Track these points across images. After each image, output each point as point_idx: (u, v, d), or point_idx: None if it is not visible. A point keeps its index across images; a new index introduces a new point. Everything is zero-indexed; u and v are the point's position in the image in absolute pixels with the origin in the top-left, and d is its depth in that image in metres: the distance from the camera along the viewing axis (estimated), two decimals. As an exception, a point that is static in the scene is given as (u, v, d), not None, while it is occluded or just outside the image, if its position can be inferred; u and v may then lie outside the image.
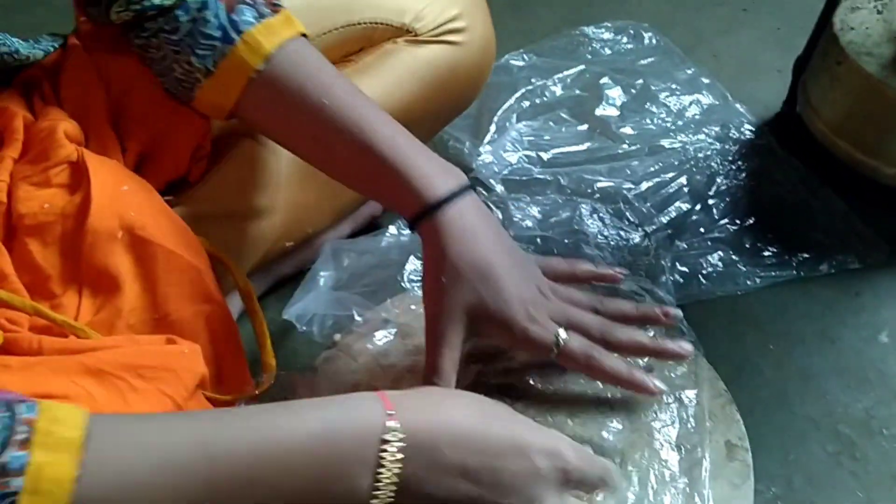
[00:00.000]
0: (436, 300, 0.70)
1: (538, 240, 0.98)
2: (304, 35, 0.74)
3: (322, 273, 0.88)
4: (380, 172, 0.70)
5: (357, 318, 0.84)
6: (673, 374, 0.77)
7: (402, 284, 0.88)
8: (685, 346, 0.73)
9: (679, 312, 0.75)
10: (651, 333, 0.79)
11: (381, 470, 0.53)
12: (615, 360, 0.70)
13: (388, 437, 0.53)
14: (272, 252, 0.89)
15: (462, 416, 0.57)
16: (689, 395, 0.75)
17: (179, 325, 0.72)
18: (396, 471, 0.53)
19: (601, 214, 1.01)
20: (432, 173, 0.69)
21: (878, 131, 0.98)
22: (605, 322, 0.73)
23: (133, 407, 0.64)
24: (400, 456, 0.53)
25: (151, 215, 0.72)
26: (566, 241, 0.97)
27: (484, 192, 1.07)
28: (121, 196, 0.70)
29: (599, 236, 0.98)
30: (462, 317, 0.68)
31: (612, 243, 0.98)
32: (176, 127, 0.78)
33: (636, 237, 0.99)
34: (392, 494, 0.53)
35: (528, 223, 1.01)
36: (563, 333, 0.69)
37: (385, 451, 0.53)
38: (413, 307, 0.85)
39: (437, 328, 0.69)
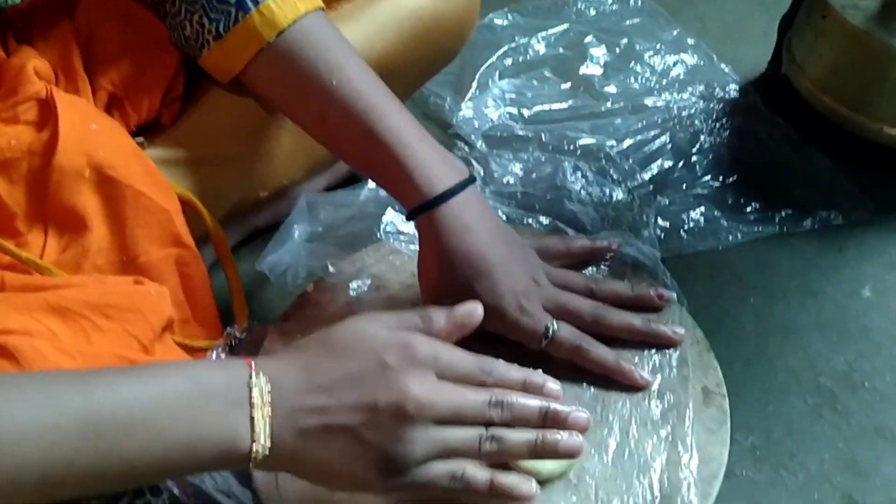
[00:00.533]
0: (432, 293, 0.72)
1: (519, 195, 0.96)
2: (321, 8, 0.72)
3: (297, 225, 0.86)
4: (382, 161, 0.70)
5: (331, 268, 0.82)
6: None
7: (378, 236, 0.86)
8: (678, 331, 0.73)
9: (673, 295, 0.77)
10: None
11: (254, 412, 0.53)
12: (603, 350, 0.71)
13: (253, 381, 0.54)
14: (245, 202, 0.87)
15: (315, 350, 0.58)
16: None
17: (148, 268, 0.71)
18: (268, 411, 0.53)
19: (584, 171, 0.99)
20: (434, 167, 0.69)
21: (863, 85, 0.97)
22: (597, 306, 0.73)
23: (96, 346, 0.62)
24: (268, 388, 0.54)
25: (121, 155, 0.70)
26: (548, 196, 0.96)
27: (466, 147, 1.05)
28: (89, 134, 0.69)
29: (582, 192, 0.97)
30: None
31: (595, 199, 0.96)
32: (147, 68, 0.76)
33: (619, 193, 0.97)
34: (270, 440, 0.53)
35: (510, 179, 0.99)
36: (553, 325, 0.71)
37: (254, 388, 0.53)
38: (390, 257, 0.84)
39: None
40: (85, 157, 0.68)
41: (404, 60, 0.88)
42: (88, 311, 0.63)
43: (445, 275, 0.70)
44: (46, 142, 0.67)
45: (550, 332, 0.70)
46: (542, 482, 0.63)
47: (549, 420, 0.60)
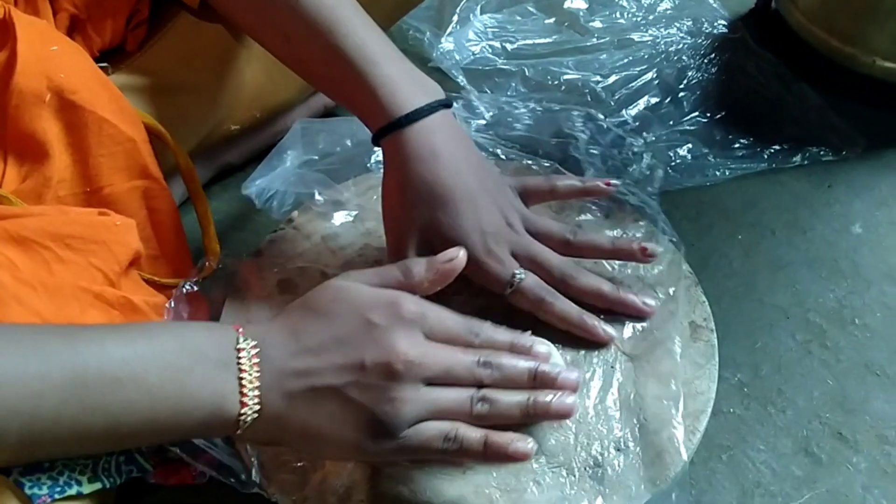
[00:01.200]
0: (393, 221, 0.67)
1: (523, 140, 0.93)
2: None
3: (290, 150, 0.83)
4: (346, 80, 0.65)
5: (318, 197, 0.79)
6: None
7: (368, 166, 0.83)
8: (649, 303, 0.68)
9: (659, 249, 0.70)
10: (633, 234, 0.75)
11: (242, 375, 0.51)
12: (566, 304, 0.67)
13: (241, 345, 0.52)
14: (216, 135, 0.83)
15: (299, 313, 0.56)
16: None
17: (113, 200, 0.68)
18: (256, 373, 0.52)
19: (597, 120, 0.96)
20: (401, 86, 0.64)
21: (855, 16, 0.94)
22: (567, 264, 0.68)
23: (58, 277, 0.59)
24: (256, 351, 0.52)
25: (83, 80, 0.66)
26: (553, 142, 0.92)
27: (469, 93, 1.01)
28: (50, 56, 0.65)
29: (590, 141, 0.93)
30: (419, 240, 0.65)
31: (603, 148, 0.93)
32: (109, -12, 0.72)
33: (630, 144, 0.94)
34: (258, 402, 0.51)
35: (516, 124, 0.96)
36: (519, 273, 0.66)
37: (242, 351, 0.52)
38: (372, 190, 0.81)
39: (394, 249, 0.67)
40: (45, 80, 0.64)
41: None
42: (50, 242, 0.60)
43: (408, 204, 0.65)
44: (4, 63, 0.63)
45: (516, 280, 0.66)
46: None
47: (539, 381, 0.57)
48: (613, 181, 0.73)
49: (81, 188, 0.67)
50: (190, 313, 0.69)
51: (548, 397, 0.56)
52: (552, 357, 0.61)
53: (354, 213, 0.78)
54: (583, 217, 0.78)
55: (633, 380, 0.66)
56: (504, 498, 0.59)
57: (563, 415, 0.57)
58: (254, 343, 0.52)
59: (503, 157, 0.85)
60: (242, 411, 0.51)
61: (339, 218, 0.77)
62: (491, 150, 0.86)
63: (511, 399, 0.56)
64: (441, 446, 0.54)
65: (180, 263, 0.74)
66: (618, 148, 0.91)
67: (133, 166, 0.68)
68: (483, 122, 0.93)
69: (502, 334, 0.59)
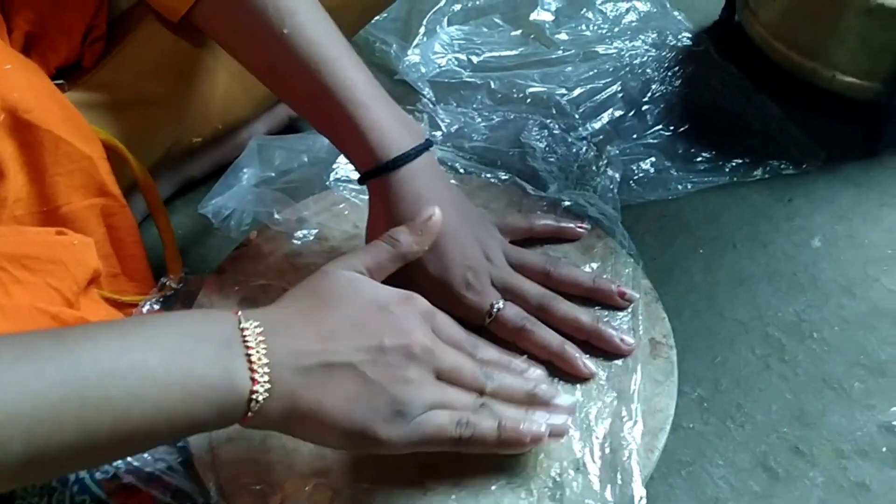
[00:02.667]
0: None
1: (481, 150, 0.94)
2: None
3: (246, 168, 0.82)
4: (334, 119, 0.66)
5: (276, 216, 0.79)
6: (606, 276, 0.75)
7: (328, 184, 0.83)
8: (627, 340, 0.69)
9: (636, 296, 0.72)
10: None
11: (250, 352, 0.50)
12: (548, 333, 0.68)
13: (244, 325, 0.51)
14: (178, 148, 0.83)
15: (308, 299, 0.56)
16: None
17: (71, 218, 0.67)
18: (263, 350, 0.51)
19: (552, 129, 0.96)
20: (389, 130, 0.66)
21: (815, 31, 0.95)
22: (545, 294, 0.70)
23: (16, 299, 0.59)
24: (260, 330, 0.51)
25: (38, 98, 0.66)
26: (510, 152, 0.93)
27: (428, 103, 1.01)
28: (3, 75, 0.64)
29: (547, 149, 0.94)
30: (403, 277, 0.66)
31: (560, 157, 0.93)
32: (65, 5, 0.72)
33: (586, 151, 0.95)
34: (268, 380, 0.50)
35: (474, 135, 0.96)
36: (498, 303, 0.68)
37: (246, 331, 0.51)
38: (334, 207, 0.81)
39: None
40: (-1, 99, 0.63)
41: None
42: (6, 263, 0.59)
43: None
44: (-44, 84, 0.63)
45: (495, 310, 0.68)
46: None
47: (537, 400, 0.60)
48: (584, 225, 0.79)
49: (38, 207, 0.66)
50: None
51: (545, 416, 0.59)
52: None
53: (315, 231, 0.78)
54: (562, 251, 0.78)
55: (592, 398, 0.66)
56: (465, 517, 0.60)
57: (557, 434, 0.59)
58: (257, 323, 0.52)
59: (462, 170, 0.86)
60: (254, 388, 0.50)
61: (300, 236, 0.77)
62: (450, 163, 0.86)
63: (512, 411, 0.58)
64: (455, 433, 0.55)
65: (142, 281, 0.74)
66: (575, 156, 0.92)
67: (90, 184, 0.68)
68: (440, 134, 0.94)
69: (500, 354, 0.63)
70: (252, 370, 0.50)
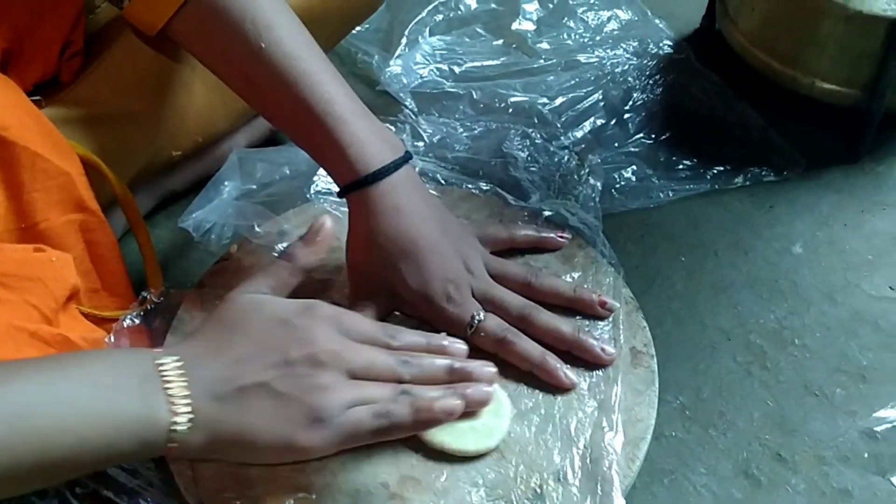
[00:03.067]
0: (358, 271, 0.70)
1: (462, 161, 0.94)
2: None
3: (227, 182, 0.82)
4: (314, 133, 0.67)
5: (257, 229, 0.79)
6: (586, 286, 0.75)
7: (308, 196, 0.83)
8: (608, 350, 0.69)
9: (616, 305, 0.72)
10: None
11: (169, 386, 0.52)
12: (529, 344, 0.68)
13: (161, 360, 0.54)
14: (157, 162, 0.83)
15: (214, 331, 0.58)
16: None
17: (49, 235, 0.67)
18: (182, 383, 0.53)
19: (533, 139, 0.96)
20: (369, 143, 0.67)
21: (795, 39, 0.96)
22: (526, 304, 0.70)
23: (-7, 317, 0.58)
24: (178, 364, 0.53)
25: (14, 115, 0.65)
26: (492, 162, 0.93)
27: (409, 113, 1.01)
28: (-21, 93, 0.64)
29: (529, 159, 0.94)
30: (383, 291, 0.68)
31: (542, 166, 0.94)
32: (42, 20, 0.71)
33: (568, 160, 0.95)
34: (189, 411, 0.52)
35: (455, 145, 0.96)
36: (479, 315, 0.68)
37: (163, 365, 0.53)
38: (315, 219, 0.80)
39: (358, 301, 0.69)
40: (-26, 117, 0.63)
41: (325, 8, 0.85)
42: (-17, 281, 0.59)
43: (373, 256, 0.68)
44: (-68, 101, 0.63)
45: (475, 321, 0.68)
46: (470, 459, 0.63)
47: (456, 375, 0.61)
48: (565, 235, 0.79)
49: (16, 224, 0.66)
50: (131, 346, 0.68)
51: (466, 388, 0.60)
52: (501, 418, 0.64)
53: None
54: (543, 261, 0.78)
55: (573, 408, 0.66)
56: (445, 527, 0.59)
57: (481, 403, 0.61)
58: (174, 358, 0.54)
59: (443, 181, 0.86)
60: (175, 420, 0.52)
61: (281, 249, 0.77)
62: (431, 174, 0.86)
63: (432, 393, 0.59)
64: (373, 424, 0.56)
65: (122, 296, 0.74)
66: (556, 165, 0.92)
67: (68, 200, 0.68)
68: (422, 144, 0.94)
69: (418, 336, 0.63)
70: (171, 402, 0.52)
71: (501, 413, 0.64)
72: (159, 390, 0.52)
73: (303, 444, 0.55)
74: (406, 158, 0.69)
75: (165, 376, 0.53)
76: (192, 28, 0.69)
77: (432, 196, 0.72)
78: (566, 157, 0.95)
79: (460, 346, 0.64)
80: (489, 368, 0.62)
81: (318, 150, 0.69)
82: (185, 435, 0.53)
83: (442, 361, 0.61)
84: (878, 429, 0.73)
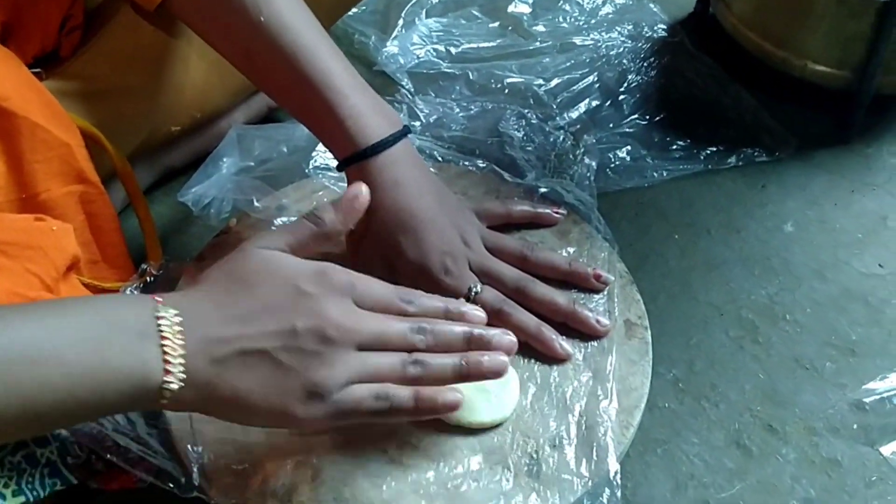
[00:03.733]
0: (357, 246, 0.70)
1: (459, 140, 0.95)
2: None
3: (225, 157, 0.83)
4: (312, 107, 0.67)
5: (256, 203, 0.79)
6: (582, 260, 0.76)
7: (307, 171, 0.84)
8: (602, 322, 0.70)
9: (611, 278, 0.73)
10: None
11: (165, 343, 0.50)
12: (525, 315, 0.69)
13: (160, 313, 0.51)
14: (156, 137, 0.83)
15: (223, 282, 0.56)
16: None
17: (50, 205, 0.68)
18: (180, 341, 0.50)
19: (529, 118, 0.97)
20: (367, 116, 0.67)
21: (787, 21, 0.97)
22: (522, 277, 0.71)
23: (-7, 284, 0.59)
24: (178, 320, 0.51)
25: (14, 86, 0.66)
26: (489, 141, 0.94)
27: (406, 93, 1.02)
28: (-22, 64, 0.65)
29: (525, 139, 0.95)
30: (382, 264, 0.68)
31: (537, 146, 0.94)
32: (42, -7, 0.72)
33: (564, 140, 0.96)
34: (183, 371, 0.50)
35: (452, 124, 0.97)
36: (476, 287, 0.69)
37: (162, 320, 0.51)
38: (313, 195, 0.81)
39: (356, 269, 0.67)
40: (-25, 87, 0.64)
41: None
42: (-16, 249, 0.60)
43: (372, 230, 0.68)
44: (-68, 72, 0.63)
45: (473, 293, 0.69)
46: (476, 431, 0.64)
47: (474, 343, 0.59)
48: (561, 210, 0.79)
49: (17, 195, 0.66)
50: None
51: (481, 357, 0.58)
52: (509, 387, 0.64)
53: (294, 219, 0.78)
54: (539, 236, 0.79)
55: (568, 378, 0.67)
56: (443, 495, 0.60)
57: (496, 372, 0.58)
58: (175, 312, 0.51)
59: (440, 158, 0.87)
60: (167, 379, 0.50)
61: (280, 223, 0.78)
62: (428, 152, 0.87)
63: (444, 360, 0.58)
64: (372, 406, 0.55)
65: (122, 268, 0.74)
66: (552, 145, 0.93)
67: (68, 171, 0.68)
68: (419, 124, 0.95)
69: (436, 301, 0.61)
70: (166, 361, 0.50)
71: (510, 383, 0.65)
72: (155, 346, 0.50)
73: (298, 415, 0.54)
74: (404, 132, 0.69)
75: (163, 332, 0.50)
76: (191, 2, 0.69)
77: (430, 170, 0.72)
78: (561, 137, 0.96)
79: (479, 313, 0.61)
80: (509, 337, 0.60)
81: (317, 124, 0.69)
82: (177, 394, 0.50)
83: (459, 328, 0.59)
84: (867, 400, 0.74)
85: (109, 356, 0.49)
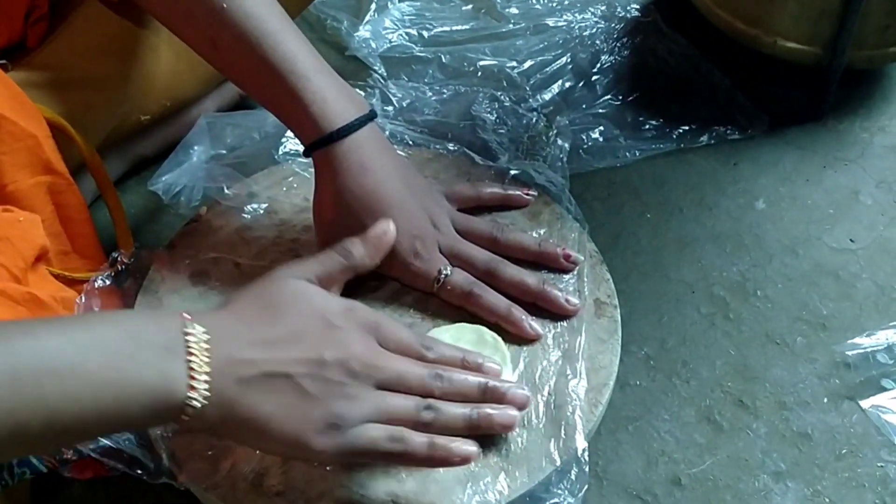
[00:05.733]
0: (326, 230, 0.70)
1: (432, 124, 0.95)
2: None
3: (196, 146, 0.83)
4: (277, 93, 0.67)
5: (227, 191, 0.80)
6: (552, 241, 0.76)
7: (276, 158, 0.84)
8: (572, 301, 0.70)
9: (581, 258, 0.74)
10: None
11: (192, 359, 0.50)
12: (494, 297, 0.69)
13: (188, 329, 0.51)
14: (126, 127, 0.83)
15: (253, 306, 0.56)
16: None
17: (18, 197, 0.68)
18: (206, 358, 0.50)
19: (502, 101, 0.98)
20: (332, 101, 0.67)
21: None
22: (492, 258, 0.71)
23: (-39, 276, 0.59)
24: (206, 338, 0.51)
25: (-21, 78, 0.66)
26: (461, 125, 0.94)
27: (377, 75, 1.02)
28: (-58, 56, 0.65)
29: (498, 121, 0.95)
30: None
31: (510, 128, 0.95)
32: (5, -16, 0.71)
33: (536, 122, 0.96)
34: (207, 388, 0.50)
35: (425, 108, 0.97)
36: (446, 269, 0.69)
37: (190, 336, 0.51)
38: (283, 181, 0.81)
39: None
40: (-60, 79, 0.64)
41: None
42: (-48, 240, 0.60)
43: (339, 214, 0.68)
44: None
45: (443, 276, 0.69)
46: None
47: (489, 395, 0.60)
48: (531, 192, 0.80)
49: (-17, 187, 0.66)
50: (101, 307, 0.69)
51: (492, 410, 0.59)
52: (503, 370, 0.64)
53: (265, 205, 0.78)
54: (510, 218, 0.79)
55: (538, 357, 0.68)
56: (413, 475, 0.61)
57: (505, 427, 0.60)
58: (203, 329, 0.51)
59: (411, 143, 0.87)
60: (191, 395, 0.49)
61: (251, 210, 0.78)
62: (400, 136, 0.87)
63: (457, 409, 0.58)
64: (387, 447, 0.55)
65: (92, 258, 0.74)
66: (525, 127, 0.93)
67: (36, 162, 0.68)
68: (391, 108, 0.95)
69: (455, 350, 0.63)
70: (192, 377, 0.50)
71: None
72: (181, 361, 0.50)
73: (313, 446, 0.53)
74: (371, 116, 0.69)
75: (190, 348, 0.50)
76: None
77: (398, 154, 0.72)
78: (534, 119, 0.96)
79: (494, 365, 0.63)
80: (522, 391, 0.61)
81: (283, 110, 0.69)
82: (200, 411, 0.50)
83: (475, 379, 0.60)
84: (850, 353, 0.76)
85: (135, 370, 0.49)
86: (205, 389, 0.50)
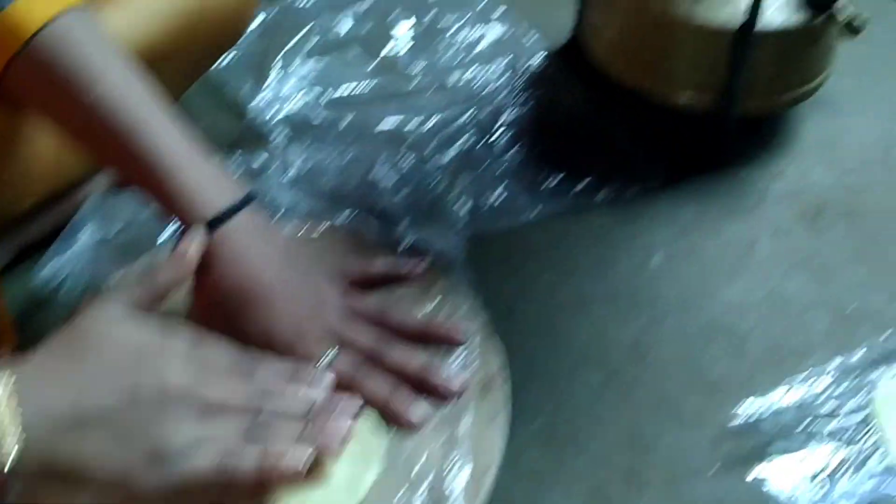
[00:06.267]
0: (203, 319, 0.69)
1: (329, 190, 0.95)
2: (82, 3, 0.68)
3: (83, 228, 0.83)
4: (151, 183, 0.66)
5: (113, 277, 0.79)
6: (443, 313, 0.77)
7: (159, 242, 0.83)
8: (455, 382, 0.71)
9: (469, 332, 0.75)
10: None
11: None
12: (375, 384, 0.69)
13: None
14: (7, 215, 0.82)
15: (61, 349, 0.54)
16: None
17: None
18: (14, 403, 0.49)
19: (400, 164, 0.98)
20: (201, 191, 0.66)
21: (650, 50, 0.97)
22: (378, 340, 0.72)
23: None
24: (12, 381, 0.49)
25: None
26: (361, 190, 0.95)
27: (273, 139, 1.01)
28: None
29: (398, 184, 0.95)
30: (232, 336, 0.66)
31: (411, 190, 0.95)
32: None
33: (439, 183, 0.96)
34: (19, 441, 0.48)
35: (325, 175, 0.97)
36: (330, 354, 0.69)
37: None
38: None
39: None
40: None
41: (176, 48, 0.85)
42: None
43: (216, 302, 0.68)
44: None
45: (326, 360, 0.69)
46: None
47: (319, 408, 0.59)
48: (423, 263, 0.81)
49: None
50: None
51: (325, 422, 0.58)
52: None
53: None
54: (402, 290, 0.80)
55: (423, 446, 0.67)
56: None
57: (338, 438, 0.57)
58: (7, 373, 0.50)
59: (306, 213, 0.87)
60: (7, 443, 0.48)
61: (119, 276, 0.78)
62: (296, 207, 0.87)
63: (285, 425, 0.57)
64: (213, 470, 0.53)
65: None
66: (426, 189, 0.93)
67: None
68: (292, 175, 0.95)
69: (283, 365, 0.61)
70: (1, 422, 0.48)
71: (369, 458, 0.66)
72: None
73: (138, 482, 0.51)
74: (246, 201, 0.69)
75: None
76: (25, 83, 0.68)
77: (279, 236, 0.72)
78: (437, 180, 0.96)
79: (326, 378, 0.62)
80: (352, 403, 0.60)
81: (157, 199, 0.68)
82: (15, 464, 0.48)
83: (304, 395, 0.59)
84: (730, 426, 0.75)
85: None
86: (16, 437, 0.48)
